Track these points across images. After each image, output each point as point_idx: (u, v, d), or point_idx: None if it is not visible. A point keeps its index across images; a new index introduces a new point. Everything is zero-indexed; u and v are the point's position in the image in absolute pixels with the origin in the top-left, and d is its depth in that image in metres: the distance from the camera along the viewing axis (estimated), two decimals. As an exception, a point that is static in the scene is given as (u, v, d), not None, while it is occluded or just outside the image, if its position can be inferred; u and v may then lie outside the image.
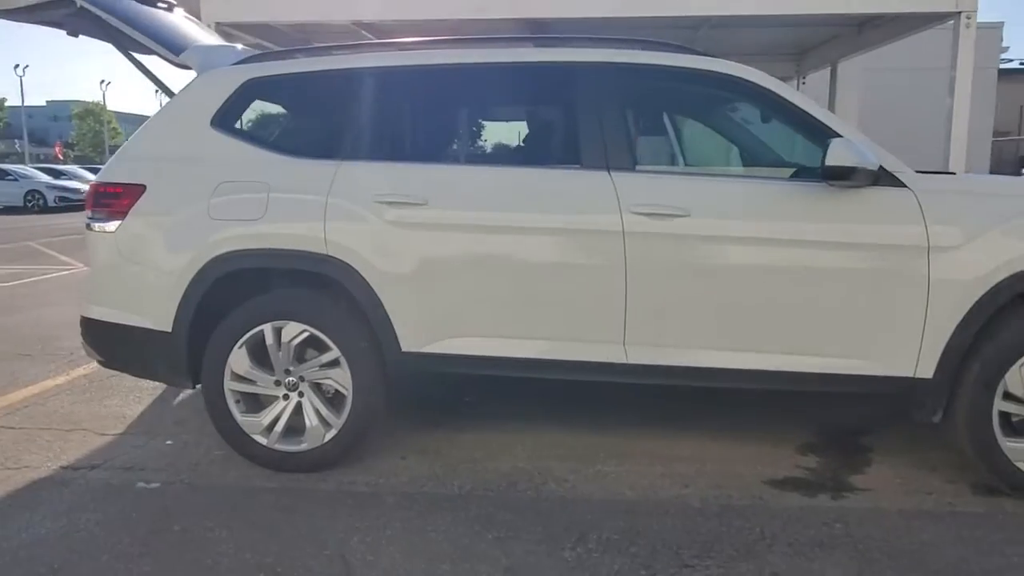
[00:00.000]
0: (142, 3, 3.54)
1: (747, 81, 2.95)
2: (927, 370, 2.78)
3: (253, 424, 3.12)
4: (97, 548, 2.56)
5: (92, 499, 2.92)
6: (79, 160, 50.70)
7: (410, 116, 3.50)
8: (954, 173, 4.29)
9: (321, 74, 3.22)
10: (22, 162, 37.18)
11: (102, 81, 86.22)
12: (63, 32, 3.69)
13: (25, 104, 51.98)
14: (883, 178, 2.77)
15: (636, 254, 2.87)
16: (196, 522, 2.73)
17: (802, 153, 3.14)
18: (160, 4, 3.66)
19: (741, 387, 2.91)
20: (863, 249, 2.80)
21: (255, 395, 3.16)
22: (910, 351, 2.78)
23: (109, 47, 3.54)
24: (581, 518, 2.75)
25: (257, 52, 3.39)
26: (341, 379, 3.06)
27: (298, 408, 3.12)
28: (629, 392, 3.04)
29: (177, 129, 3.26)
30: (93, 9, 3.28)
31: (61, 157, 49.04)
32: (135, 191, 3.14)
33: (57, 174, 25.47)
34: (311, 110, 3.22)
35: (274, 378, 3.11)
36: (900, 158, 2.87)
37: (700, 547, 2.53)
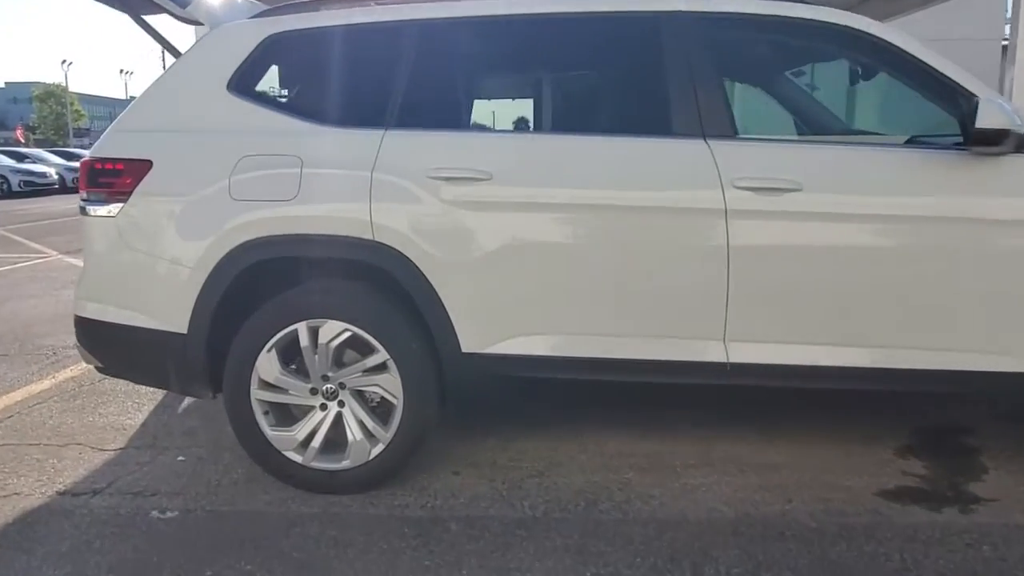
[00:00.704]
0: None
1: (866, 33, 2.53)
2: None
3: (285, 439, 2.68)
4: (113, 601, 2.10)
5: (99, 535, 2.46)
6: (41, 143, 49.28)
7: (468, 77, 3.02)
8: None
9: (359, 28, 2.73)
10: (-19, 146, 35.81)
11: (63, 61, 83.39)
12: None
13: (-17, 86, 50.20)
14: None
15: (740, 235, 2.46)
16: (230, 563, 2.29)
17: (916, 117, 2.74)
18: None
19: (861, 389, 2.53)
20: (1012, 226, 2.42)
21: (287, 406, 2.72)
22: None
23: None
24: (684, 544, 2.35)
25: (278, 4, 2.89)
26: (389, 385, 2.62)
27: (338, 419, 2.68)
28: (727, 394, 2.64)
29: (187, 94, 2.77)
30: None
31: (23, 140, 47.48)
32: (139, 168, 2.66)
33: (21, 157, 24.49)
34: (348, 70, 2.74)
35: (309, 385, 2.66)
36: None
37: (837, 581, 2.15)
